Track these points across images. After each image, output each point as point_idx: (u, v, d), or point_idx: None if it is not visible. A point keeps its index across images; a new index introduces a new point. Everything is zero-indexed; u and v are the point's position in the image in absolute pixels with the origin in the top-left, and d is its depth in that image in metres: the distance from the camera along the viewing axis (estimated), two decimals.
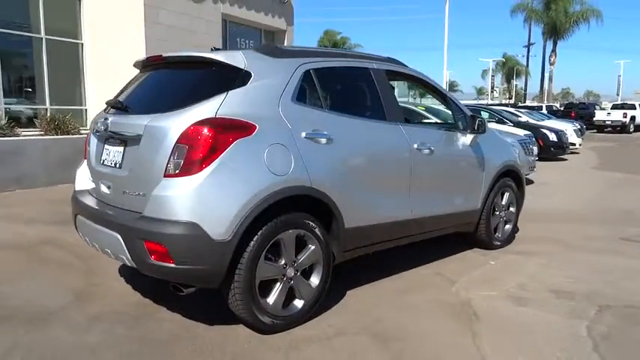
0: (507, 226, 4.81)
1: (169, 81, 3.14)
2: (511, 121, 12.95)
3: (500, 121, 12.75)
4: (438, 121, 7.01)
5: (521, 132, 10.06)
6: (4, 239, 4.67)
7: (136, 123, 2.83)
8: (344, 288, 3.56)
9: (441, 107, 10.89)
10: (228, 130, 2.63)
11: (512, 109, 16.33)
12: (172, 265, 2.56)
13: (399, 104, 3.98)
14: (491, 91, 52.23)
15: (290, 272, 2.89)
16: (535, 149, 8.67)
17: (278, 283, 2.85)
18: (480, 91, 63.75)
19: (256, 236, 2.68)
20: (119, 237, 2.71)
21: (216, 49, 3.30)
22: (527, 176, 9.18)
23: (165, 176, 2.59)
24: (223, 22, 14.30)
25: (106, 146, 3.09)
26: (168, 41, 12.13)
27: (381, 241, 3.54)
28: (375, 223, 3.38)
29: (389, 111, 3.57)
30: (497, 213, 4.64)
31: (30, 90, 12.44)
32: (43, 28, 12.05)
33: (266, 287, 2.82)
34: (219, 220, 2.55)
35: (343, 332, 2.92)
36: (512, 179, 4.73)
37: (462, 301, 3.42)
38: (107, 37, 12.39)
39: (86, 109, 12.54)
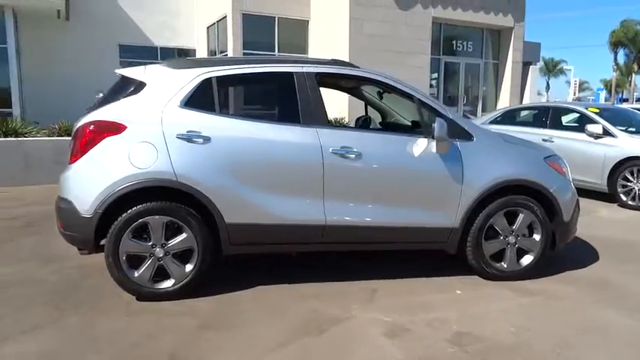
0: (527, 257, 3.92)
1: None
2: None
3: None
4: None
5: None
6: None
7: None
8: (260, 283, 3.75)
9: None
10: (101, 129, 3.31)
11: None
12: (63, 231, 3.41)
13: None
14: None
15: (159, 252, 3.37)
16: None
17: (146, 260, 3.37)
18: None
19: (120, 217, 3.28)
20: None
21: (191, 59, 3.81)
22: None
23: (68, 163, 3.45)
24: (437, 26, 14.28)
25: None
26: (369, 50, 13.00)
27: (283, 242, 3.59)
28: (268, 223, 3.47)
29: (305, 114, 3.56)
30: (502, 238, 3.85)
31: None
32: (277, 47, 14.46)
33: (137, 261, 3.38)
34: (84, 200, 3.27)
35: (185, 314, 3.23)
36: (533, 198, 3.83)
37: (340, 317, 3.21)
38: (324, 51, 14.05)
39: None
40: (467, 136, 3.79)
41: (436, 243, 3.81)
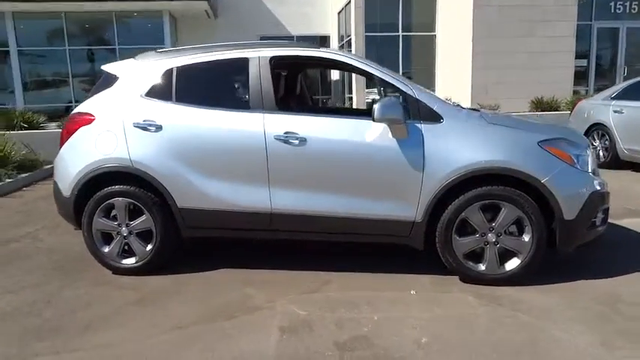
0: (514, 260, 3.30)
1: None
2: None
3: None
4: None
5: None
6: None
7: None
8: (226, 266, 3.85)
9: None
10: (78, 120, 3.74)
11: None
12: (58, 209, 3.95)
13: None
14: None
15: (124, 231, 3.70)
16: None
17: (114, 237, 3.74)
18: None
19: (92, 198, 3.69)
20: None
21: (161, 51, 4.05)
22: None
23: None
24: None
25: None
26: (499, 23, 11.89)
27: (234, 228, 3.61)
28: (218, 209, 3.54)
29: (255, 99, 3.51)
30: (478, 235, 3.30)
31: None
32: (401, 28, 14.13)
33: (109, 238, 3.77)
34: (64, 182, 3.74)
35: (133, 288, 3.49)
36: (522, 190, 3.20)
37: (261, 306, 3.16)
38: (451, 28, 13.26)
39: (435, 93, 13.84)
40: (434, 118, 3.32)
41: (397, 237, 3.44)
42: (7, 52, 14.79)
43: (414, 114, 3.34)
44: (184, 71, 3.69)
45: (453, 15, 12.93)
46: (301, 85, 4.66)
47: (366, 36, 13.65)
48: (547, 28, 11.86)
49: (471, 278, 3.36)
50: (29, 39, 15.02)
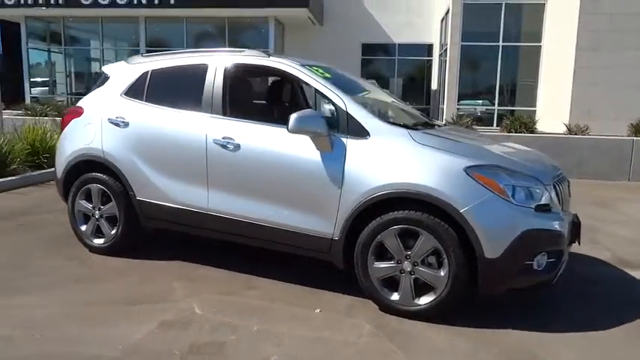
0: (430, 295, 3.03)
1: None
2: None
3: None
4: None
5: None
6: None
7: None
8: (184, 259, 4.08)
9: None
10: (72, 112, 4.24)
11: None
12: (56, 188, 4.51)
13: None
14: None
15: (97, 214, 4.11)
16: None
17: (90, 219, 4.17)
18: None
19: (74, 182, 4.17)
20: None
21: (146, 55, 4.38)
22: None
23: None
24: None
25: None
26: (609, 33, 10.71)
27: (181, 223, 3.80)
28: (167, 204, 3.77)
29: (206, 103, 3.67)
30: (394, 263, 3.08)
31: (486, 92, 14.12)
32: (502, 37, 13.35)
33: (88, 219, 4.21)
34: (58, 165, 4.27)
35: (89, 265, 3.88)
36: (440, 219, 2.93)
37: (170, 298, 3.31)
38: (559, 38, 12.25)
39: (535, 110, 12.85)
40: (361, 134, 3.18)
41: (318, 252, 3.35)
42: (138, 51, 16.77)
43: (342, 127, 3.24)
44: (156, 74, 3.98)
45: (559, 24, 11.84)
46: (293, 94, 4.68)
47: (462, 45, 13.07)
48: None
49: (384, 306, 3.15)
50: (155, 40, 16.91)
